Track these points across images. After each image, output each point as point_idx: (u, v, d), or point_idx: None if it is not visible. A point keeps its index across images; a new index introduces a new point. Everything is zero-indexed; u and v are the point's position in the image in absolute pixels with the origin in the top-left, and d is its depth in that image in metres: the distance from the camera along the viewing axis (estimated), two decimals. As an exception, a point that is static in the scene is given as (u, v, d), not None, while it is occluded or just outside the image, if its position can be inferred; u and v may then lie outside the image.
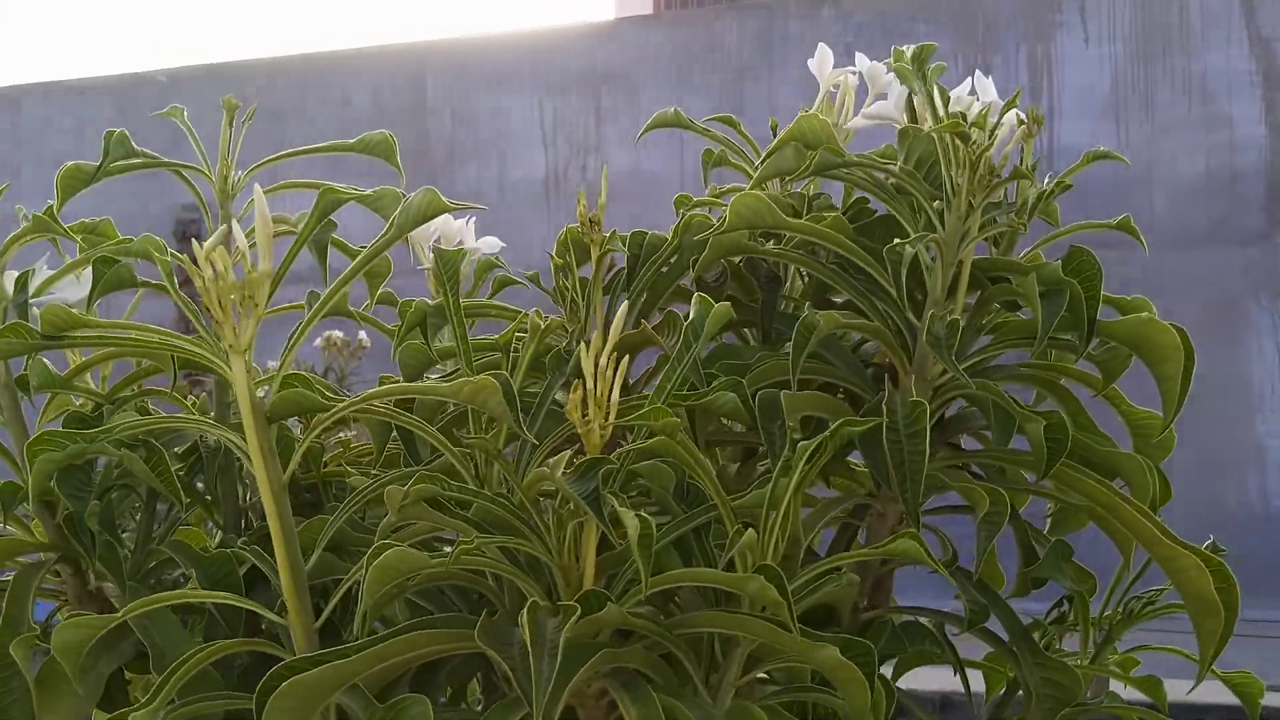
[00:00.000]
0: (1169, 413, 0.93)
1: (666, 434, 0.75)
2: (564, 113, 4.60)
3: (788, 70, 4.26)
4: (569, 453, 0.77)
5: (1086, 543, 1.08)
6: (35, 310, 0.91)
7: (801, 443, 0.78)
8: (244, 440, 0.84)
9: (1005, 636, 0.98)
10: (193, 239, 0.81)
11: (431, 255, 0.92)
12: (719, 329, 0.83)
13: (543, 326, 0.87)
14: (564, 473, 0.76)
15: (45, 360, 0.95)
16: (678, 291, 1.10)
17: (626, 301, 0.84)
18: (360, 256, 0.86)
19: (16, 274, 0.96)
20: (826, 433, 0.78)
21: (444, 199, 0.84)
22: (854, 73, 1.10)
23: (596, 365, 0.78)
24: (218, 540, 1.06)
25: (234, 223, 0.84)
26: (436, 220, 1.18)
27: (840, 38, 4.19)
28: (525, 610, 0.70)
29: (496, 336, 0.95)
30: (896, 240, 0.89)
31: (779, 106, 4.19)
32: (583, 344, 0.78)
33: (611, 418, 0.78)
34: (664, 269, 1.07)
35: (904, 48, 1.00)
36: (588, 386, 0.78)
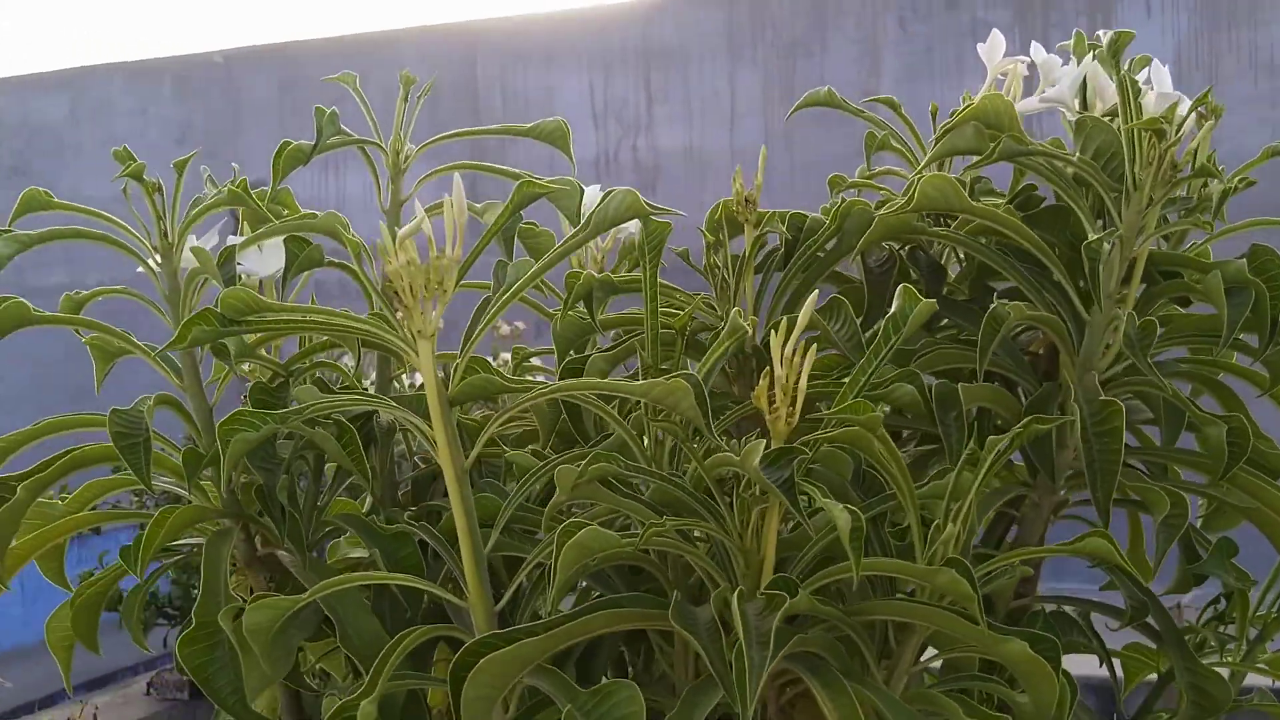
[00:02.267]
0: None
1: (869, 428, 0.76)
2: (615, 91, 4.57)
3: (841, 46, 4.19)
4: (759, 440, 0.78)
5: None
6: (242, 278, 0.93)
7: (991, 438, 0.78)
8: (427, 424, 0.86)
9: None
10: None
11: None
12: (920, 326, 0.83)
13: (747, 329, 0.88)
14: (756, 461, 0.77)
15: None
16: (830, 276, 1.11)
17: (816, 291, 0.84)
18: (552, 251, 0.87)
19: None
20: (1018, 428, 0.78)
21: (644, 202, 0.85)
22: (1024, 61, 1.08)
23: (783, 353, 0.79)
24: (366, 507, 1.08)
25: (417, 206, 0.85)
26: (588, 197, 1.19)
27: (894, 11, 4.11)
28: (734, 599, 0.71)
29: (674, 321, 0.95)
30: (1093, 236, 0.88)
31: (830, 81, 4.09)
32: (772, 330, 0.79)
33: (799, 406, 0.78)
34: (820, 253, 1.07)
35: (1100, 32, 0.98)
36: (776, 374, 0.79)
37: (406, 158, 1.08)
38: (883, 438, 0.76)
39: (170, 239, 0.99)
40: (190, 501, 0.99)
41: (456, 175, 0.83)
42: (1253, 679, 1.13)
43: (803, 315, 0.79)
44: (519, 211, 0.88)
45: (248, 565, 1.03)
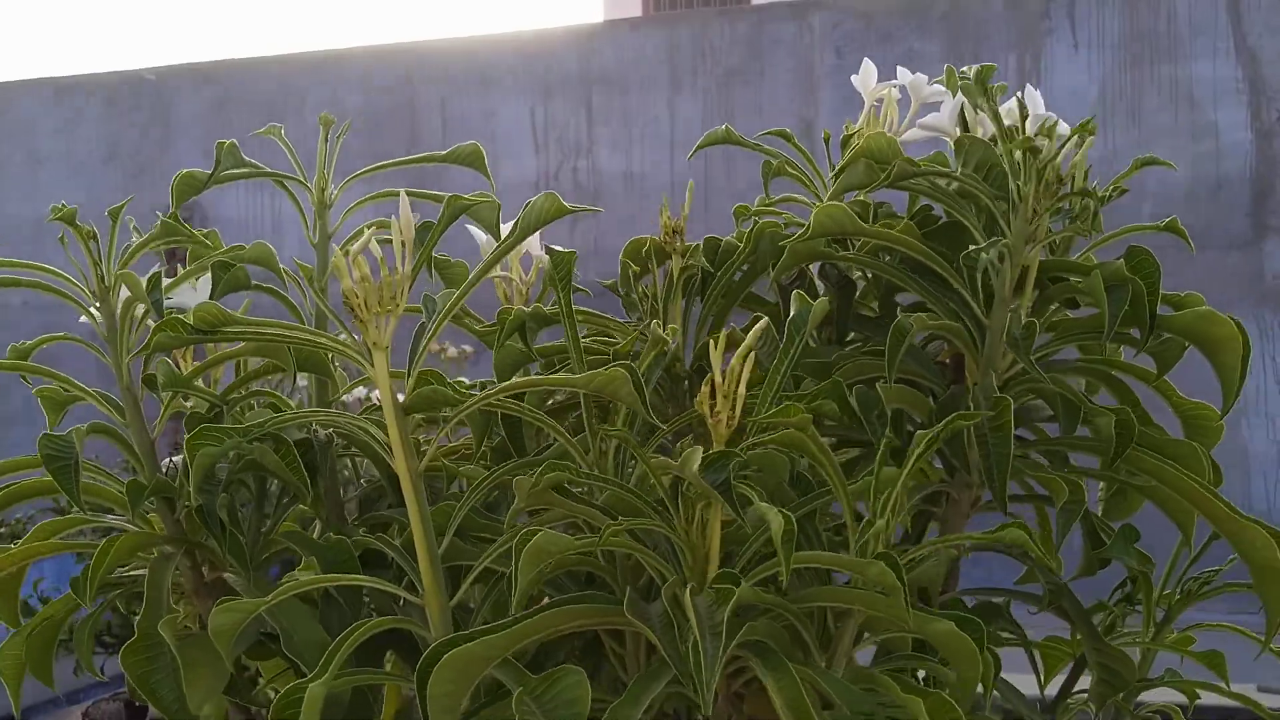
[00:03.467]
0: (1229, 399, 1.01)
1: (799, 429, 0.81)
2: (555, 115, 4.60)
3: (777, 73, 4.31)
4: (697, 446, 0.82)
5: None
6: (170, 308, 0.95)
7: (919, 432, 0.84)
8: (381, 433, 0.89)
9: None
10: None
11: (544, 258, 0.98)
12: (819, 323, 0.89)
13: (668, 340, 0.93)
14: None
15: (169, 361, 1.00)
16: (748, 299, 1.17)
17: (765, 319, 0.89)
18: (486, 259, 0.91)
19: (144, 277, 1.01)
20: (942, 424, 0.85)
21: (564, 202, 0.90)
22: (896, 86, 1.17)
23: (721, 361, 0.84)
24: (316, 531, 1.11)
25: (369, 230, 0.89)
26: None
27: (830, 42, 4.23)
28: (685, 594, 0.76)
29: (620, 347, 1.00)
30: (973, 246, 0.96)
31: (768, 109, 4.24)
32: (711, 340, 0.84)
33: (738, 411, 0.84)
34: (736, 276, 1.13)
35: (966, 68, 1.07)
36: (716, 381, 0.84)
37: (331, 194, 1.12)
38: (814, 437, 0.82)
39: (107, 283, 1.01)
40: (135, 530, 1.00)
41: (403, 195, 0.88)
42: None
43: (750, 335, 0.84)
44: (449, 226, 0.92)
45: (195, 593, 1.04)
